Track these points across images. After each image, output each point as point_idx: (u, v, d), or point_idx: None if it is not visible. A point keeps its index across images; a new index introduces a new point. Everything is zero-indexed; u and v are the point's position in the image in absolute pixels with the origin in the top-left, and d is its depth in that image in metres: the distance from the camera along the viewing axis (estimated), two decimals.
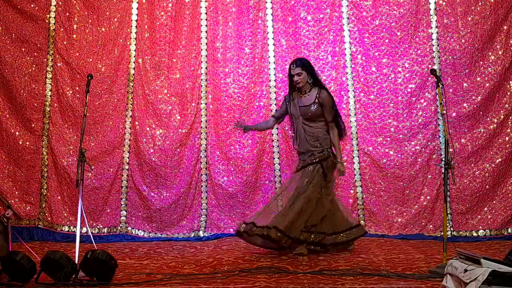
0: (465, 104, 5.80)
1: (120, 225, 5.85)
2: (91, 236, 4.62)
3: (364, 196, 5.86)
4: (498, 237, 5.58)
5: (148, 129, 5.94)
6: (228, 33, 6.01)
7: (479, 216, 5.69)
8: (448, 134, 4.29)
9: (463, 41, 5.84)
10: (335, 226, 4.87)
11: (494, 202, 5.70)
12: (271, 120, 5.26)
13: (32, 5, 5.94)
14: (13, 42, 5.91)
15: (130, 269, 4.28)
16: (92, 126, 5.85)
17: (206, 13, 6.04)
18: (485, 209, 5.69)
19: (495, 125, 5.76)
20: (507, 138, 5.76)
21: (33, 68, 5.93)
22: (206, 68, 6.02)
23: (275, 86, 5.95)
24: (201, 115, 5.99)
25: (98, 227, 5.80)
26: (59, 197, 5.82)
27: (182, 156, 5.94)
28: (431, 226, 5.71)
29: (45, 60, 5.94)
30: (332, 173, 4.93)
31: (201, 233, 5.84)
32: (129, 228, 5.85)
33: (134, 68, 6.01)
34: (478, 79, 5.82)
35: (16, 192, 5.81)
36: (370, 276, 3.89)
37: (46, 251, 4.00)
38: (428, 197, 5.76)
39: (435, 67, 5.79)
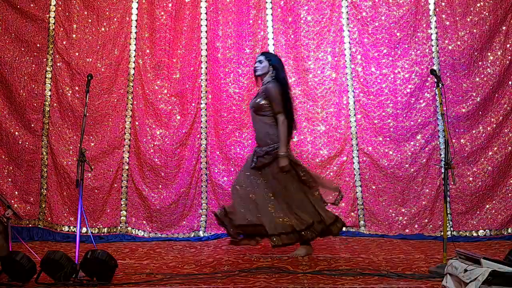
0: (464, 105, 5.81)
1: (120, 225, 5.85)
2: (91, 236, 4.63)
3: (364, 196, 5.86)
4: (498, 237, 5.59)
5: (148, 129, 5.94)
6: (228, 33, 6.01)
7: (479, 216, 5.70)
8: (448, 134, 4.29)
9: (462, 41, 5.85)
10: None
11: (494, 202, 5.71)
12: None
13: (32, 5, 5.93)
14: (13, 41, 5.90)
15: (130, 269, 4.28)
16: (92, 126, 5.85)
17: (206, 13, 6.04)
18: (485, 209, 5.70)
19: (494, 125, 5.76)
20: (506, 138, 5.77)
21: (33, 68, 5.93)
22: (206, 68, 6.02)
23: None
24: (201, 115, 5.99)
25: (98, 227, 5.80)
26: (59, 197, 5.82)
27: (182, 156, 5.94)
28: (431, 226, 5.72)
29: (44, 60, 5.94)
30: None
31: (201, 233, 5.84)
32: (129, 228, 5.85)
33: (134, 68, 6.01)
34: (477, 79, 5.83)
35: (16, 192, 5.81)
36: (370, 276, 3.90)
37: (46, 251, 4.00)
38: (428, 197, 5.77)
39: (435, 67, 5.80)
